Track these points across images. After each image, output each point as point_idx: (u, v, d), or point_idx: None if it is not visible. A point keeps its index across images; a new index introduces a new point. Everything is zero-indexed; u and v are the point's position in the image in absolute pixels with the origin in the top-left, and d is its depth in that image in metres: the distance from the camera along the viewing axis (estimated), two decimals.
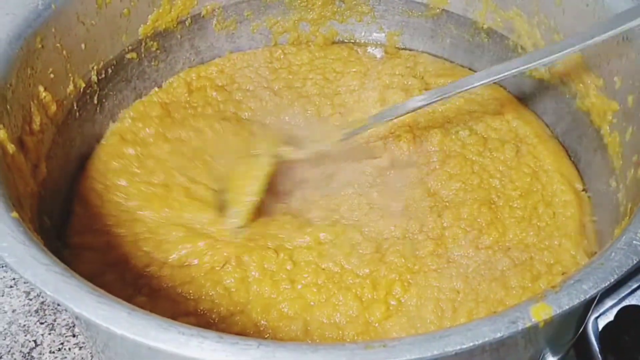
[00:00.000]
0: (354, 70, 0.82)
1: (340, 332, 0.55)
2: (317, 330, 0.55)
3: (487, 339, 0.37)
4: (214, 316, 0.57)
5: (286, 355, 0.36)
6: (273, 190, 0.67)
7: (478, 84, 0.63)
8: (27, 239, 0.43)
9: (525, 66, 0.60)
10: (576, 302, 0.39)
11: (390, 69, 0.82)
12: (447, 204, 0.66)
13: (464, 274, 0.59)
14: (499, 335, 0.37)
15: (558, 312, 0.39)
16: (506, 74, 0.61)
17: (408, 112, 0.66)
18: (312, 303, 0.56)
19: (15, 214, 0.45)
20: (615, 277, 0.41)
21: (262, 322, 0.55)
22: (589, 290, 0.40)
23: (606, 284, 0.40)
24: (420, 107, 0.65)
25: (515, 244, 0.62)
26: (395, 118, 0.67)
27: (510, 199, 0.66)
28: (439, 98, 0.64)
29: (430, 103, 0.65)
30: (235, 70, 0.82)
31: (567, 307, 0.39)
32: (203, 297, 0.58)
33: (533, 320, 0.38)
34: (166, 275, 0.59)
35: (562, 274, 0.59)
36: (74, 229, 0.64)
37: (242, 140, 0.71)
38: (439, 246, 0.61)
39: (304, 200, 0.67)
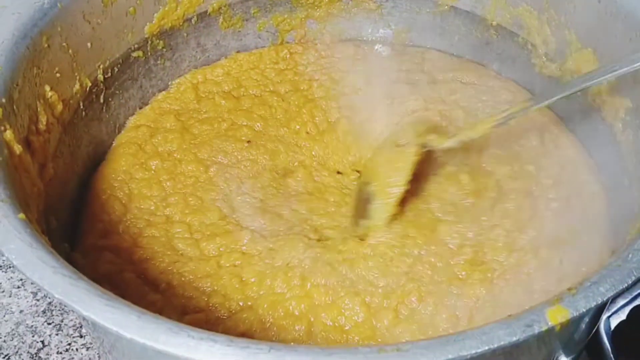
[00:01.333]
0: (359, 68, 0.81)
1: (344, 335, 0.54)
2: (320, 332, 0.54)
3: (502, 343, 0.36)
4: (223, 311, 0.56)
5: (297, 358, 0.35)
6: None
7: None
8: (35, 240, 0.43)
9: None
10: (593, 304, 0.38)
11: (397, 65, 0.81)
12: (496, 195, 0.64)
13: (490, 279, 0.58)
14: (514, 339, 0.37)
15: (575, 315, 0.38)
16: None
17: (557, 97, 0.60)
18: (317, 303, 0.56)
19: (22, 216, 0.45)
20: (633, 279, 0.40)
21: (269, 319, 0.55)
22: (606, 292, 0.39)
23: (624, 286, 0.39)
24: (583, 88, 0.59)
25: (548, 242, 0.60)
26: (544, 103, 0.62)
27: (544, 188, 0.65)
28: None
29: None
30: (241, 73, 0.81)
31: (584, 309, 0.38)
32: (217, 289, 0.58)
33: (549, 323, 0.37)
34: (188, 270, 0.60)
35: None
36: (87, 230, 0.63)
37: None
38: (477, 253, 0.60)
39: None
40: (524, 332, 0.37)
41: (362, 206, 0.64)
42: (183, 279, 0.59)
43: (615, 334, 0.63)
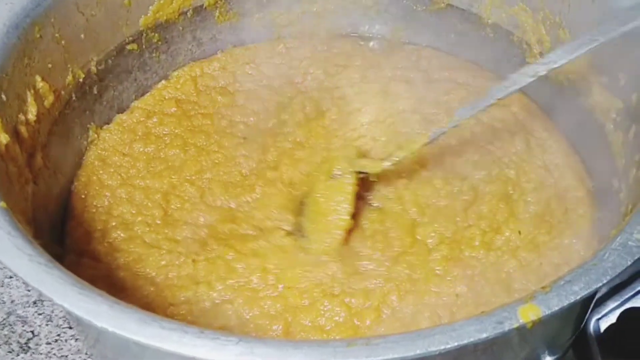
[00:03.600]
0: (356, 64, 0.81)
1: (324, 335, 0.54)
2: (299, 333, 0.54)
3: (472, 339, 0.36)
4: (207, 304, 0.56)
5: (265, 351, 0.35)
6: None
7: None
8: (14, 228, 0.43)
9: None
10: (566, 303, 0.38)
11: (393, 62, 0.80)
12: (471, 198, 0.64)
13: (470, 276, 0.58)
14: (484, 335, 0.36)
15: (547, 313, 0.38)
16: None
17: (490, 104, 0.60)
18: (294, 306, 0.56)
19: (3, 204, 0.45)
20: (608, 278, 0.40)
21: (246, 316, 0.55)
22: (579, 291, 0.39)
23: (598, 285, 0.39)
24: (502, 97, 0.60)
25: (525, 244, 0.61)
26: (477, 112, 0.61)
27: (524, 192, 0.65)
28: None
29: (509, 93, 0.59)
30: (237, 67, 0.81)
31: (557, 308, 0.38)
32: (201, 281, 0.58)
33: (520, 321, 0.37)
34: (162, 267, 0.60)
35: None
36: (70, 228, 0.64)
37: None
38: (454, 250, 0.60)
39: None
40: (495, 329, 0.37)
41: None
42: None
43: (605, 338, 0.63)
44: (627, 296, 0.64)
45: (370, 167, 0.63)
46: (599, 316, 0.64)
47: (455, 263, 0.58)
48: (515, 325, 0.37)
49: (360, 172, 0.63)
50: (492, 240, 0.61)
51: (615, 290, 0.63)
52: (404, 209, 0.64)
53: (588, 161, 0.68)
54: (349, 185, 0.62)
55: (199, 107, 0.76)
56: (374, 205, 0.65)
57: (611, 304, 0.64)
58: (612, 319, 0.64)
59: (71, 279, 0.40)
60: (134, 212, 0.65)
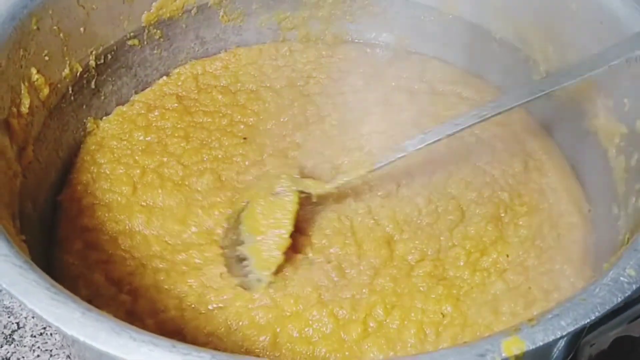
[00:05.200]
0: (360, 70, 0.80)
1: (311, 347, 0.53)
2: (286, 343, 0.53)
3: None
4: (201, 311, 0.56)
5: None
6: None
7: (513, 105, 0.59)
8: None
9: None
10: (552, 338, 0.37)
11: (398, 71, 0.79)
12: (457, 218, 0.63)
13: (456, 295, 0.57)
14: None
15: (531, 348, 0.36)
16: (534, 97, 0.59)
17: (445, 136, 0.59)
18: (287, 314, 0.55)
19: None
20: (597, 314, 0.38)
21: (234, 326, 0.54)
22: (566, 326, 0.37)
23: (586, 322, 0.38)
24: (458, 131, 0.59)
25: (513, 266, 0.59)
26: (433, 142, 0.59)
27: (516, 215, 0.64)
28: (477, 120, 0.58)
29: (468, 126, 0.59)
30: (239, 67, 0.80)
31: (542, 343, 0.37)
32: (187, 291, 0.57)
33: (503, 354, 0.36)
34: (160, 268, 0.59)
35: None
36: (62, 220, 0.63)
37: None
38: (437, 267, 0.59)
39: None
40: None
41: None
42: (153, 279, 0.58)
43: None
44: (620, 323, 0.62)
45: (313, 187, 0.62)
46: (592, 342, 0.63)
47: (438, 281, 0.58)
48: (498, 358, 0.35)
49: (302, 192, 0.61)
50: (477, 261, 0.59)
51: (608, 316, 0.62)
52: (377, 223, 0.62)
53: (587, 185, 0.67)
54: (290, 204, 0.60)
55: (199, 105, 0.75)
56: (342, 219, 0.63)
57: (604, 331, 0.62)
58: (604, 345, 0.63)
59: (46, 283, 0.39)
60: (106, 187, 0.65)
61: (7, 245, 0.41)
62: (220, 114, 0.74)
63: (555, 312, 0.38)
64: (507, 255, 0.59)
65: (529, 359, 0.40)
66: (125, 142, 0.70)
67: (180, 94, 0.76)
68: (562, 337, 0.37)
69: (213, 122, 0.73)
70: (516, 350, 0.36)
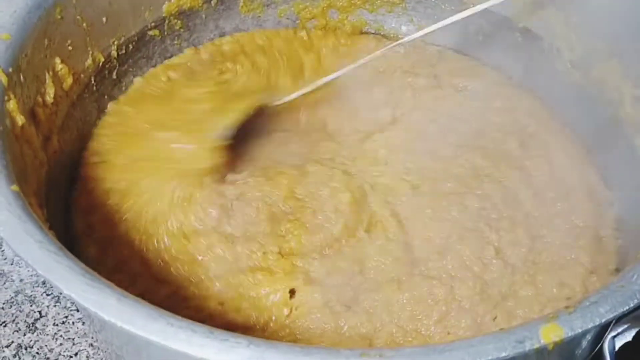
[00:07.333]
0: (377, 62, 0.78)
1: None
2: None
3: (490, 358, 0.35)
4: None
5: (276, 356, 0.34)
6: None
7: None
8: (25, 213, 0.42)
9: None
10: (590, 325, 0.37)
11: (409, 65, 0.78)
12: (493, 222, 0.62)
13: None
14: (503, 354, 0.35)
15: (570, 335, 0.36)
16: None
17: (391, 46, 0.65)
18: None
19: (15, 187, 0.44)
20: (636, 301, 0.38)
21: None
22: (605, 314, 0.37)
23: (625, 309, 0.38)
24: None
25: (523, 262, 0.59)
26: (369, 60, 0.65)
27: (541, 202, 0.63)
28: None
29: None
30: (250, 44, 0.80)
31: (580, 330, 0.37)
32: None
33: (542, 341, 0.36)
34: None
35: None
36: (79, 206, 0.63)
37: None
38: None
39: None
40: (515, 348, 0.35)
41: None
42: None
43: (620, 356, 0.61)
44: None
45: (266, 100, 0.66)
46: (615, 333, 0.62)
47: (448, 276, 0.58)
48: (537, 345, 0.35)
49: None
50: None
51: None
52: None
53: (612, 174, 0.66)
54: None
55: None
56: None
57: (628, 322, 0.62)
58: (628, 337, 0.62)
59: (80, 269, 0.39)
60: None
61: (41, 232, 0.41)
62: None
63: (594, 300, 0.38)
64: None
65: (563, 347, 0.39)
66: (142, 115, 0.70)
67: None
68: (600, 324, 0.37)
69: None
70: (555, 337, 0.36)
